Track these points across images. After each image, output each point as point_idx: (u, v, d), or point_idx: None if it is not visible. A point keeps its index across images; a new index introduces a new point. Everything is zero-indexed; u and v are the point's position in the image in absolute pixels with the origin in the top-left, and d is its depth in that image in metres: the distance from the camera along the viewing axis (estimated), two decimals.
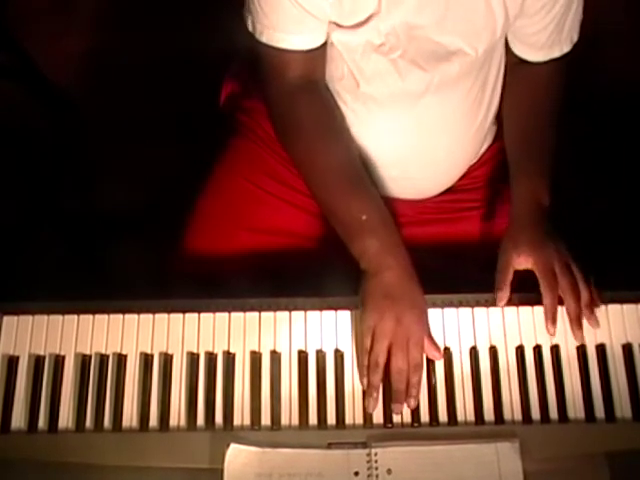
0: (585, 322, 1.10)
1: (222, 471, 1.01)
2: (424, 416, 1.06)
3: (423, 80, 1.18)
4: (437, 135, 1.26)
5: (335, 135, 1.20)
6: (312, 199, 1.31)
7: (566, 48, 1.22)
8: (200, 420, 1.06)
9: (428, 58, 1.16)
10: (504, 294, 1.12)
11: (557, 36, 1.20)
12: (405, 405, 1.06)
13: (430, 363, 1.09)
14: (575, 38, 1.22)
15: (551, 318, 1.10)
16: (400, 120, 1.24)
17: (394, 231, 1.13)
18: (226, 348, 1.10)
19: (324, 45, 1.17)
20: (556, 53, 1.22)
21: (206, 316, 1.11)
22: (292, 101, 1.18)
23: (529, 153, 1.22)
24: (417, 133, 1.25)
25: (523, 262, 1.12)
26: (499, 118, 1.32)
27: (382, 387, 1.07)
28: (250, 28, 1.17)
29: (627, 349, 1.09)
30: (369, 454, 1.02)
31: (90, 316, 1.11)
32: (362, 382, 1.07)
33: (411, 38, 1.13)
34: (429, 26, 1.12)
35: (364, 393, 1.07)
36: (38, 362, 1.09)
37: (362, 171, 1.19)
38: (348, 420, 1.06)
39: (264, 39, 1.15)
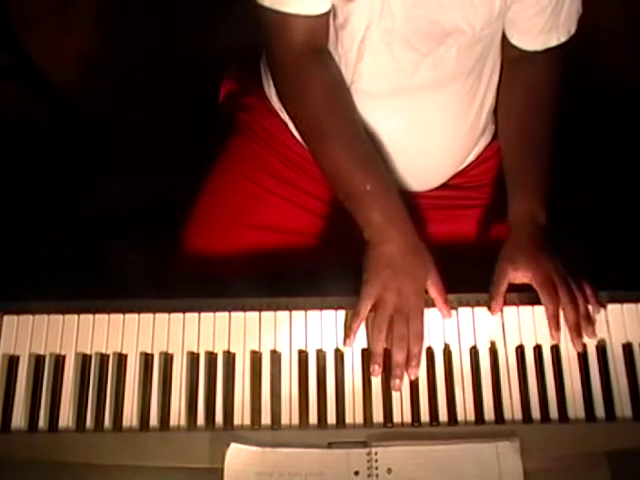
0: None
1: (222, 471, 1.01)
2: (424, 416, 1.06)
3: (418, 65, 1.18)
4: (431, 126, 1.26)
5: (342, 104, 1.19)
6: (312, 197, 1.31)
7: (563, 37, 1.22)
8: (200, 420, 1.06)
9: (424, 40, 1.15)
10: (498, 305, 1.12)
11: (554, 22, 1.20)
12: (406, 377, 1.07)
13: (430, 363, 1.09)
14: (572, 30, 1.22)
15: (555, 326, 1.10)
16: (394, 110, 1.23)
17: (398, 201, 1.13)
18: (226, 348, 1.10)
19: (327, 15, 1.15)
20: (553, 41, 1.22)
21: (206, 316, 1.11)
22: (297, 67, 1.17)
23: (526, 165, 1.22)
24: (411, 122, 1.25)
25: (520, 276, 1.13)
26: (496, 117, 1.32)
27: (381, 387, 1.07)
28: None
29: (627, 349, 1.09)
30: (369, 453, 1.02)
31: (90, 316, 1.11)
32: (345, 343, 1.09)
33: (408, 18, 1.13)
34: (426, 3, 1.12)
35: (364, 393, 1.07)
36: (38, 362, 1.09)
37: (367, 142, 1.19)
38: (348, 419, 1.06)
39: (267, 3, 1.14)
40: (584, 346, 1.09)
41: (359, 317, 1.09)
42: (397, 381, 1.06)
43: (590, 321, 1.11)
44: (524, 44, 1.23)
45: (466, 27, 1.15)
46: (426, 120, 1.25)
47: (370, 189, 1.13)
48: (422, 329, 1.09)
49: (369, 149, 1.18)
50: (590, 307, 1.11)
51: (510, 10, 1.19)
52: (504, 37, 1.24)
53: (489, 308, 1.12)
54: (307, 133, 1.21)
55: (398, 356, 1.07)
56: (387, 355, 1.08)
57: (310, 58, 1.17)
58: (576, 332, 1.10)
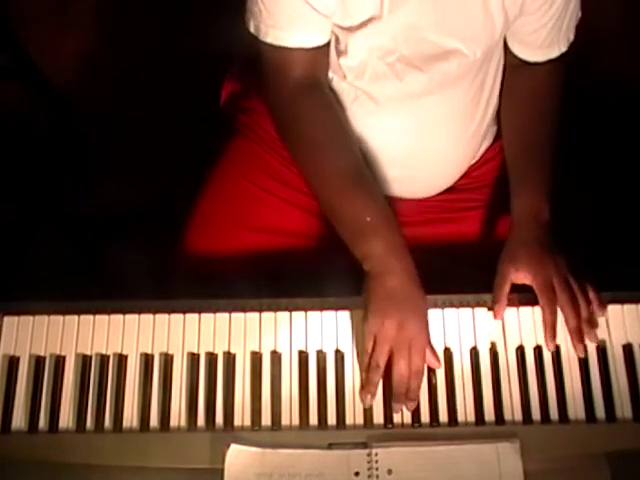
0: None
1: (222, 471, 1.01)
2: (424, 416, 1.06)
3: (421, 80, 1.18)
4: (436, 134, 1.26)
5: (338, 137, 1.19)
6: (313, 199, 1.31)
7: (564, 48, 1.23)
8: (200, 420, 1.06)
9: (425, 58, 1.16)
10: (501, 307, 1.12)
11: (555, 35, 1.20)
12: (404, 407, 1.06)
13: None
14: (571, 38, 1.23)
15: (550, 333, 1.10)
16: (400, 120, 1.24)
17: (398, 233, 1.12)
18: (227, 348, 1.10)
19: (327, 45, 1.17)
20: (554, 53, 1.23)
21: (207, 316, 1.12)
22: (294, 103, 1.18)
23: (529, 165, 1.22)
24: (417, 132, 1.25)
25: (521, 277, 1.13)
26: (498, 118, 1.32)
27: (382, 386, 1.07)
28: (253, 30, 1.16)
29: (627, 349, 1.09)
30: (369, 454, 1.02)
31: (91, 316, 1.11)
32: (362, 379, 1.07)
33: (408, 40, 1.14)
34: (427, 28, 1.13)
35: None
36: (39, 362, 1.09)
37: (366, 172, 1.18)
38: (348, 420, 1.06)
39: (269, 39, 1.15)
40: (584, 348, 1.09)
41: (367, 354, 1.07)
42: (398, 405, 1.05)
43: (592, 325, 1.10)
44: (525, 55, 1.24)
45: (467, 52, 1.15)
46: (429, 129, 1.25)
47: (371, 220, 1.11)
48: (423, 365, 1.06)
49: (368, 179, 1.16)
50: (595, 308, 1.11)
51: (513, 24, 1.18)
52: (506, 45, 1.24)
53: (491, 309, 1.12)
54: (304, 167, 1.20)
55: (399, 389, 1.05)
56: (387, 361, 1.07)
57: (306, 93, 1.17)
58: (577, 337, 1.09)
